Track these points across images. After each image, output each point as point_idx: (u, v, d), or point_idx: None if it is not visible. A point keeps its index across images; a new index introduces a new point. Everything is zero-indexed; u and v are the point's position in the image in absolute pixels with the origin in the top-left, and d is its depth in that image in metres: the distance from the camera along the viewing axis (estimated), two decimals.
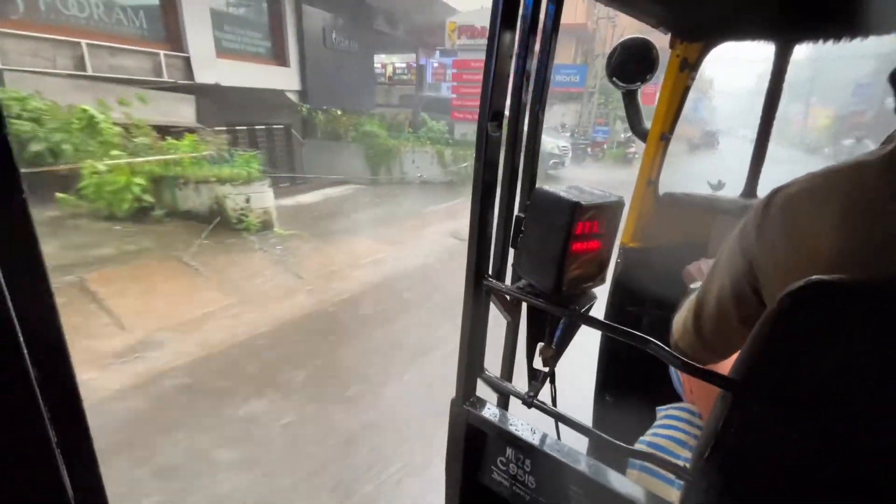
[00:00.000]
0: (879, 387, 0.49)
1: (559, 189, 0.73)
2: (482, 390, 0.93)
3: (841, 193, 0.55)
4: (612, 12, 14.33)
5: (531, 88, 0.81)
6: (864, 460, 0.52)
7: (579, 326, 0.81)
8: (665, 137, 1.32)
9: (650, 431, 1.09)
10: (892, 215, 0.51)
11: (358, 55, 11.17)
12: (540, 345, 0.86)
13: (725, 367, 0.67)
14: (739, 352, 0.59)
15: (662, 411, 1.12)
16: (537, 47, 0.79)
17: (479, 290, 0.83)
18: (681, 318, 0.82)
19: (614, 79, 1.33)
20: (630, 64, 1.29)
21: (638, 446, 1.07)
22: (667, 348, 0.63)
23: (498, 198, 0.81)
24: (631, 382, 1.52)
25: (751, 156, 1.42)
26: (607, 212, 0.74)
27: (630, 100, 1.38)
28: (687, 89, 1.28)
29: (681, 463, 0.72)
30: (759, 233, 0.62)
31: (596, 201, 0.71)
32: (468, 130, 10.62)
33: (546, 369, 0.87)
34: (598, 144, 15.54)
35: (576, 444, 0.83)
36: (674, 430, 1.02)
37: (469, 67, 10.92)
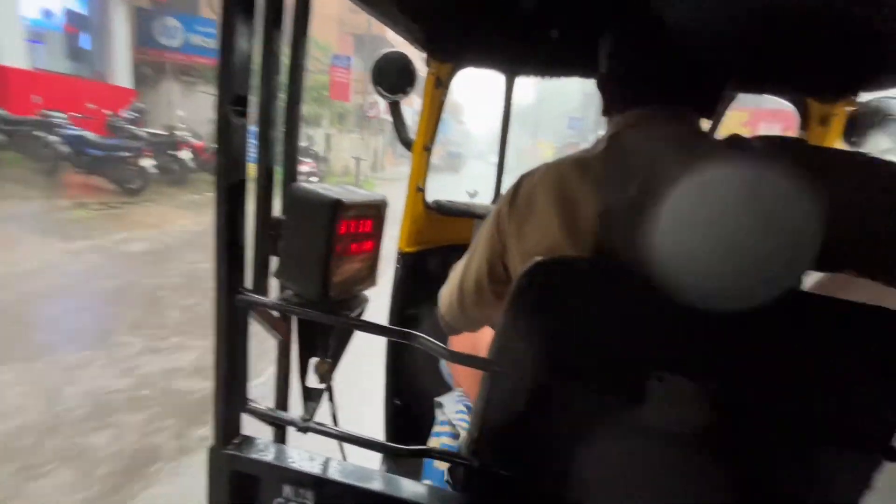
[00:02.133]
0: (605, 353, 0.58)
1: (318, 186, 0.67)
2: (252, 426, 0.78)
3: (570, 179, 0.65)
4: None
5: (280, 75, 0.73)
6: (601, 421, 0.60)
7: (353, 333, 0.76)
8: (427, 148, 1.43)
9: (434, 427, 1.14)
10: (608, 196, 0.62)
11: None
12: (314, 360, 0.78)
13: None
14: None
15: (442, 402, 1.19)
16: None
17: (233, 307, 0.69)
18: (446, 292, 0.89)
19: (378, 88, 1.37)
20: (393, 76, 1.36)
21: (430, 442, 1.10)
22: (432, 340, 0.65)
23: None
24: (417, 382, 1.58)
25: (496, 169, 1.69)
26: (372, 210, 0.72)
27: (395, 110, 1.44)
28: (442, 104, 1.42)
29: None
30: (511, 216, 0.69)
31: (358, 199, 0.68)
32: None
33: (323, 386, 0.79)
34: None
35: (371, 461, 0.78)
36: (450, 421, 1.09)
37: None
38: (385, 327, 0.67)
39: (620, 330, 0.57)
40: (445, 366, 1.32)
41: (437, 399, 1.23)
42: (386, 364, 1.63)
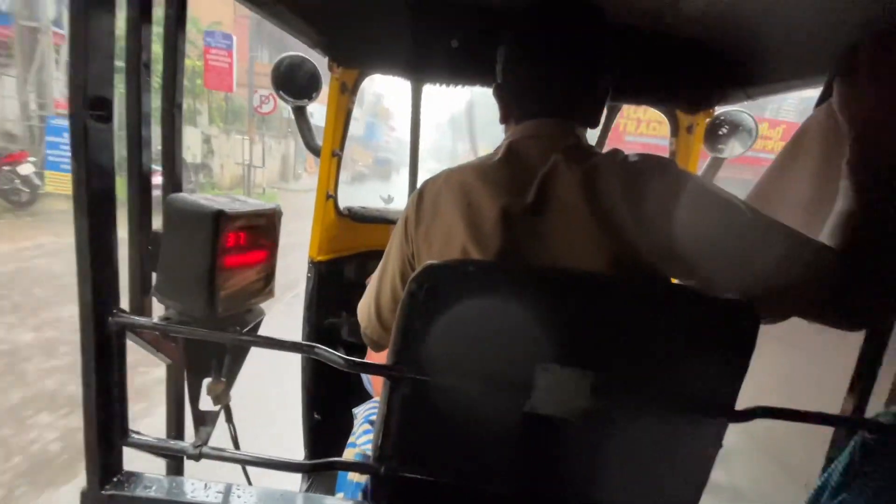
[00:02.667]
0: (495, 350, 0.61)
1: (201, 197, 0.63)
2: (142, 460, 0.71)
3: (472, 184, 0.68)
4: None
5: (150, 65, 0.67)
6: (495, 415, 0.63)
7: (248, 349, 0.73)
8: (336, 154, 1.41)
9: (351, 437, 1.12)
10: (506, 198, 0.66)
11: None
12: (206, 381, 0.73)
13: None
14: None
15: (359, 413, 1.17)
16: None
17: (103, 330, 0.63)
18: (364, 306, 0.88)
19: (281, 93, 1.32)
20: (296, 80, 1.32)
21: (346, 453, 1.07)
22: (329, 350, 0.64)
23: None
24: (335, 393, 1.54)
25: (408, 176, 1.70)
26: (262, 220, 0.69)
27: (300, 115, 1.40)
28: (350, 111, 1.41)
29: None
30: (418, 221, 0.71)
31: (245, 209, 0.65)
32: None
33: (218, 408, 0.75)
34: None
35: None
36: (370, 430, 1.07)
37: None
38: (279, 341, 0.64)
39: (508, 327, 0.60)
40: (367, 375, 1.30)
41: (355, 410, 1.21)
42: (302, 377, 1.57)
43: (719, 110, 1.35)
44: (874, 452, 0.69)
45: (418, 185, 0.78)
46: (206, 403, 0.74)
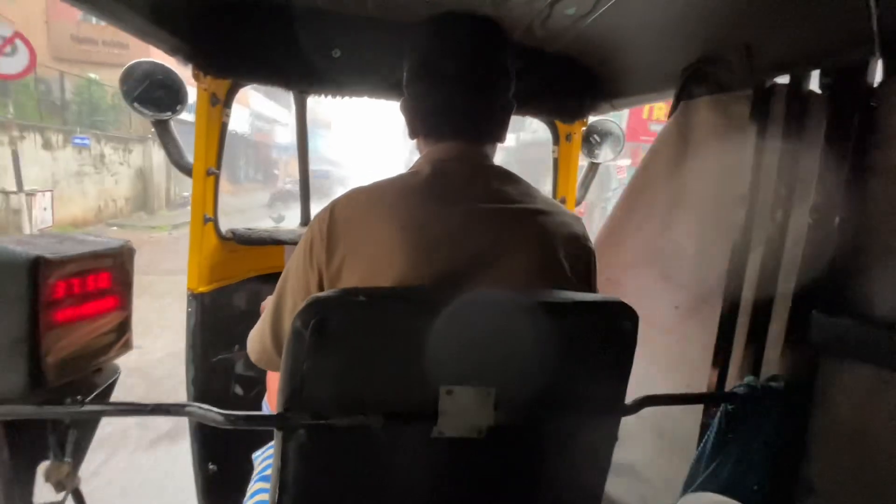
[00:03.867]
0: (393, 384, 0.58)
1: (10, 241, 0.51)
2: None
3: (399, 205, 0.65)
4: None
5: None
6: (400, 446, 0.60)
7: (99, 419, 0.60)
8: (212, 172, 1.26)
9: (250, 485, 1.00)
10: (430, 218, 0.64)
11: None
12: (43, 465, 0.59)
13: None
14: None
15: (257, 458, 1.05)
16: None
17: None
18: (256, 339, 0.78)
19: (136, 105, 1.15)
20: (155, 91, 1.16)
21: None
22: (206, 406, 0.55)
23: None
24: (232, 437, 1.38)
25: (299, 191, 1.60)
26: (107, 260, 0.58)
27: (163, 130, 1.23)
28: (225, 125, 1.27)
29: None
30: (331, 244, 0.64)
31: (76, 252, 0.53)
32: None
33: (62, 495, 0.60)
34: None
35: None
36: (269, 476, 0.97)
37: None
38: (139, 405, 0.54)
39: (406, 354, 0.57)
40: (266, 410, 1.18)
41: (255, 454, 1.09)
42: (189, 424, 1.38)
43: (592, 120, 1.47)
44: (736, 420, 0.79)
45: (312, 203, 0.71)
46: (45, 494, 0.59)
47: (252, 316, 0.96)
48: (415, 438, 0.60)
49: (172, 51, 1.09)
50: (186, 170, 1.26)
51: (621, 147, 1.55)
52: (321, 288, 0.67)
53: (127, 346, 0.63)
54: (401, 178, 0.71)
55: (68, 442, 0.59)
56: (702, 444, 0.85)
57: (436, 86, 0.72)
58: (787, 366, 0.78)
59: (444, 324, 0.56)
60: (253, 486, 0.97)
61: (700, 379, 0.95)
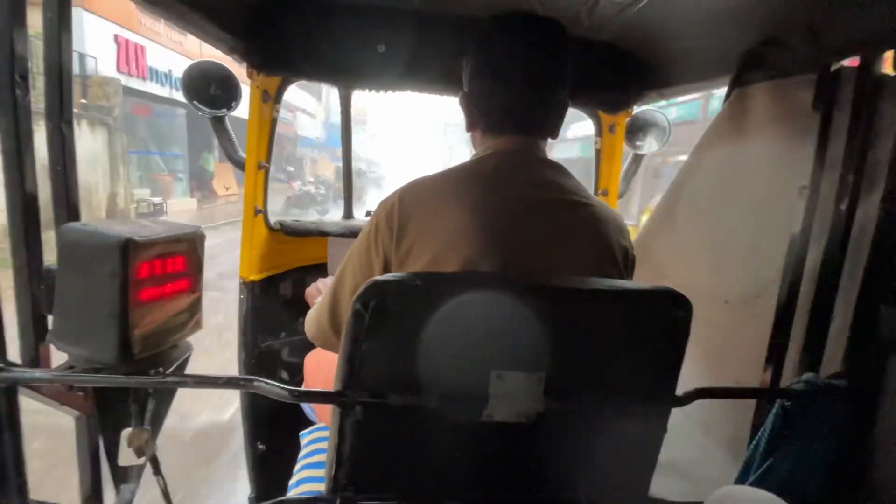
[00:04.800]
0: (448, 362, 0.60)
1: (103, 225, 0.56)
2: None
3: (466, 192, 0.68)
4: None
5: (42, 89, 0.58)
6: (453, 428, 0.62)
7: (175, 391, 0.65)
8: (262, 166, 1.32)
9: (298, 465, 1.05)
10: (494, 206, 0.67)
11: None
12: (126, 431, 0.64)
13: None
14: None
15: (304, 438, 1.11)
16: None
17: None
18: (314, 320, 0.83)
19: (195, 103, 1.22)
20: (212, 89, 1.22)
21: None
22: (272, 382, 0.59)
23: None
24: (279, 419, 1.45)
25: (343, 185, 1.65)
26: (182, 245, 0.62)
27: (219, 126, 1.30)
28: (274, 120, 1.33)
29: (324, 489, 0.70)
30: (397, 229, 0.68)
31: (159, 236, 0.58)
32: None
33: (142, 460, 0.66)
34: None
35: None
36: (314, 455, 1.01)
37: None
38: (212, 378, 0.58)
39: (460, 338, 0.59)
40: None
41: (302, 434, 1.14)
42: (241, 406, 1.46)
43: (636, 110, 1.44)
44: (793, 417, 0.76)
45: (354, 198, 0.75)
46: (127, 457, 0.65)
47: (297, 304, 1.00)
48: (465, 420, 0.61)
49: (229, 50, 1.15)
50: (240, 164, 1.33)
51: (667, 138, 1.50)
52: (386, 272, 0.70)
53: (198, 325, 0.68)
54: (464, 168, 0.75)
55: (148, 411, 0.64)
56: (754, 442, 0.82)
57: (500, 84, 0.75)
58: (850, 363, 0.75)
59: (499, 309, 0.57)
60: (299, 464, 1.02)
61: (750, 376, 0.92)
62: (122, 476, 0.64)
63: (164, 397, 0.65)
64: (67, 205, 0.63)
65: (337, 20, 1.14)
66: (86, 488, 0.69)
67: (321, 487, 0.69)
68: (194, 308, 0.67)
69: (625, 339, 0.63)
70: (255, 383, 0.58)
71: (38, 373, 0.56)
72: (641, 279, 0.80)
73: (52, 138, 0.62)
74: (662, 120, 1.48)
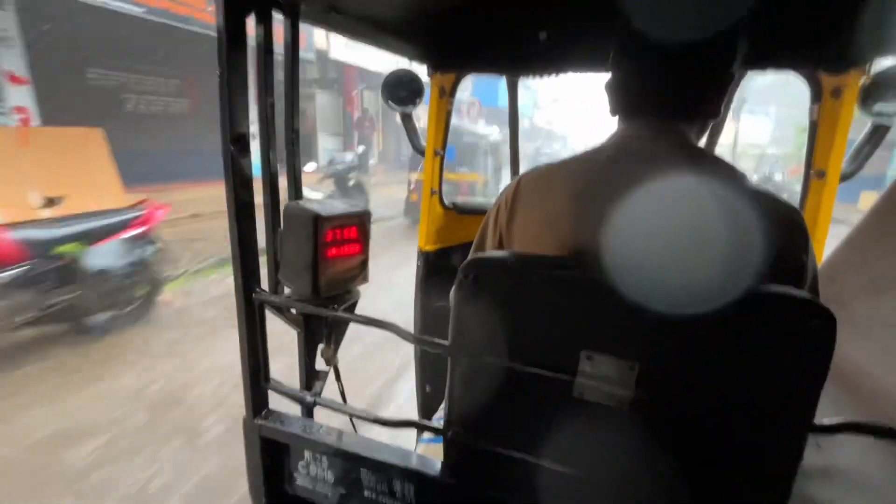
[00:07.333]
0: (538, 337, 0.66)
1: (306, 204, 0.82)
2: (279, 403, 0.95)
3: (574, 178, 0.72)
4: None
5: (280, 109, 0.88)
6: (543, 395, 0.68)
7: (347, 324, 0.90)
8: (438, 153, 1.54)
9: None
10: (602, 191, 0.67)
11: None
12: (320, 346, 0.93)
13: None
14: None
15: None
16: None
17: (250, 303, 0.86)
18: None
19: (390, 102, 1.51)
20: (401, 90, 1.49)
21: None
22: (400, 327, 0.77)
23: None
24: (439, 368, 1.71)
25: (510, 168, 1.76)
26: (355, 219, 0.85)
27: (407, 121, 1.57)
28: (449, 112, 1.52)
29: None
30: (510, 210, 0.77)
31: (338, 212, 0.81)
32: None
33: (328, 368, 0.94)
34: None
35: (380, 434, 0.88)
36: None
37: None
38: (379, 322, 0.79)
39: (549, 317, 0.65)
40: None
41: None
42: (414, 354, 1.78)
43: (877, 68, 1.09)
44: None
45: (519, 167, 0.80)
46: (320, 364, 0.94)
47: None
48: (556, 391, 0.67)
49: (414, 57, 1.37)
50: (421, 152, 1.58)
51: None
52: (501, 247, 0.80)
53: (365, 279, 0.92)
54: (584, 153, 0.75)
55: (333, 334, 0.91)
56: None
57: (632, 60, 0.71)
58: None
59: (584, 294, 0.60)
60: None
61: None
62: (314, 376, 0.94)
63: (340, 326, 0.91)
64: (295, 189, 0.93)
65: (501, 17, 1.23)
66: (303, 377, 1.01)
67: None
68: (363, 266, 0.90)
69: (740, 346, 0.57)
70: (389, 326, 0.77)
71: (272, 298, 0.87)
72: None
73: (287, 143, 0.92)
74: None
